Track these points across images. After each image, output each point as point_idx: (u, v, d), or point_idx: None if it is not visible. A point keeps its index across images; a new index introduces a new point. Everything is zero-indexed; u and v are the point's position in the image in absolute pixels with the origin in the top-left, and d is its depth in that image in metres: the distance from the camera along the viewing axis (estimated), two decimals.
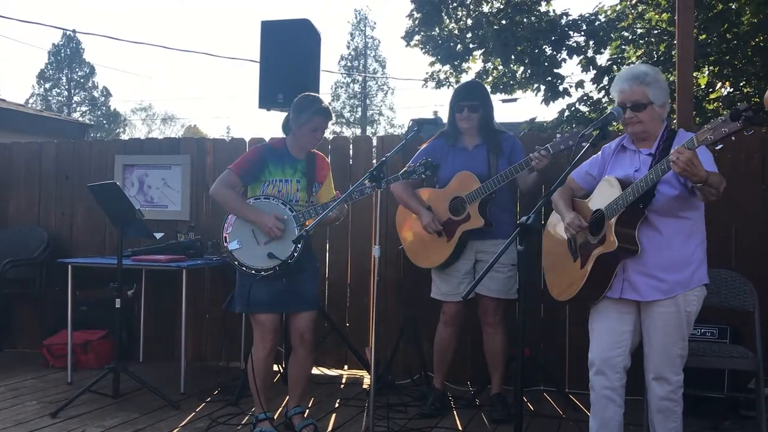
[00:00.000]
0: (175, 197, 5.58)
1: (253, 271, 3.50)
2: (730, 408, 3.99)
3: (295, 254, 3.46)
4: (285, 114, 3.81)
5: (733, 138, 2.46)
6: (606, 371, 2.98)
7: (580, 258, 3.00)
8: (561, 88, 10.51)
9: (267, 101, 4.75)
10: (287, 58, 4.66)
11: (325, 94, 42.16)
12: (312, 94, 3.81)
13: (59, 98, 46.91)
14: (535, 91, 10.81)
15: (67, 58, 46.91)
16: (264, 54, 4.82)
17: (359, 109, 42.44)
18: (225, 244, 3.58)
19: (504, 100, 15.78)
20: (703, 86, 9.57)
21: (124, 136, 44.81)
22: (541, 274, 4.48)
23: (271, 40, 4.79)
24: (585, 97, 10.44)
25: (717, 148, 2.50)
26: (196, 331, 5.36)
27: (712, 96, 9.64)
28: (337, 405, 4.34)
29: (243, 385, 4.23)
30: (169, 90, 70.11)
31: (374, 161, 5.01)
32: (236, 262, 3.55)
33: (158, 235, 4.97)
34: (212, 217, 5.39)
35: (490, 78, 11.38)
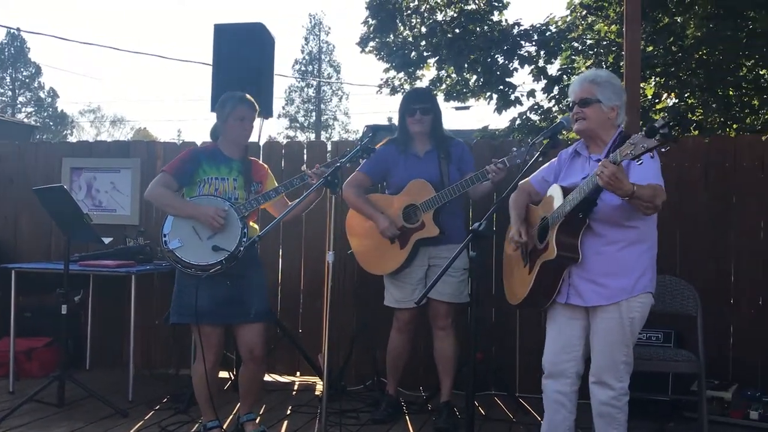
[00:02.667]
0: (125, 201, 5.48)
1: (198, 270, 3.37)
2: (675, 410, 4.10)
3: (243, 242, 3.36)
4: None
5: (651, 155, 2.51)
6: (556, 376, 3.02)
7: (529, 264, 3.05)
8: (513, 96, 10.65)
9: None
10: (240, 61, 4.64)
11: (279, 98, 41.56)
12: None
13: (3, 98, 45.62)
14: (488, 100, 10.95)
15: (11, 57, 45.66)
16: (217, 57, 4.78)
17: (314, 113, 42.31)
18: (165, 246, 3.45)
19: (457, 108, 15.99)
20: (650, 97, 9.83)
21: (72, 139, 43.70)
22: (493, 279, 4.57)
23: (224, 43, 4.75)
24: (536, 106, 10.61)
25: (638, 163, 2.55)
26: (146, 337, 5.27)
27: (659, 106, 9.90)
28: (289, 411, 4.31)
29: (193, 392, 4.16)
30: (119, 92, 68.86)
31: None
32: (180, 264, 3.42)
33: (106, 240, 4.88)
34: (162, 222, 5.29)
35: (444, 85, 11.48)
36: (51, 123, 46.12)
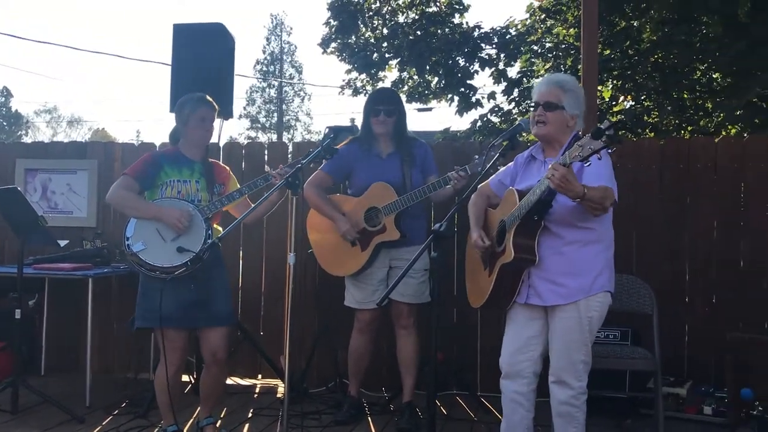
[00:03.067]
0: (81, 203, 5.38)
1: (163, 273, 3.34)
2: (632, 407, 4.17)
3: (208, 241, 3.33)
4: None
5: (599, 157, 2.56)
6: (514, 376, 3.05)
7: (488, 267, 3.08)
8: (474, 99, 10.76)
9: None
10: (200, 61, 4.59)
11: (240, 99, 41.24)
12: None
13: None
14: (449, 102, 11.04)
15: None
16: (176, 57, 4.73)
17: (275, 114, 42.07)
18: (128, 250, 3.40)
19: (419, 109, 16.06)
20: (607, 99, 10.01)
21: (27, 139, 42.68)
22: (454, 280, 4.61)
23: (184, 43, 4.70)
24: (496, 108, 10.72)
25: (586, 165, 2.60)
26: (103, 341, 5.17)
27: (616, 109, 10.08)
28: (250, 414, 4.28)
29: (152, 396, 4.10)
30: (77, 92, 67.55)
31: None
32: (144, 267, 3.38)
33: (62, 243, 4.78)
34: (120, 223, 5.15)
35: (406, 87, 11.54)
36: (5, 123, 45.01)
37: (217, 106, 3.67)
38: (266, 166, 3.68)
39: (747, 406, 3.54)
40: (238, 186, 3.65)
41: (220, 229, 3.67)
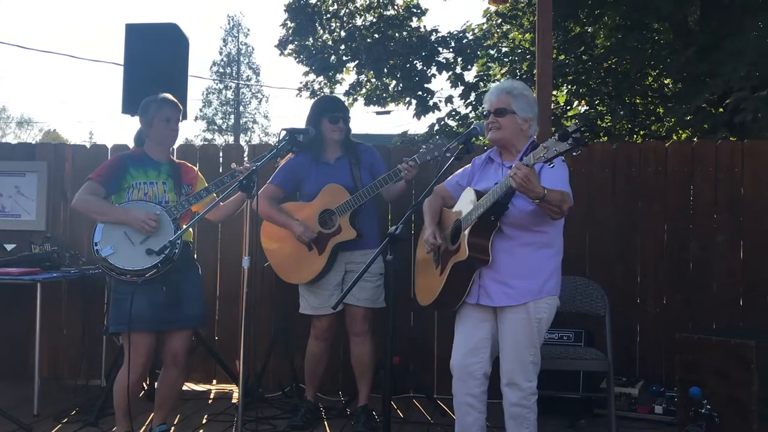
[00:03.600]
0: (30, 206, 5.23)
1: (134, 276, 3.30)
2: (585, 407, 4.23)
3: (178, 243, 3.30)
4: None
5: (563, 158, 2.61)
6: (465, 378, 3.07)
7: (440, 265, 3.10)
8: (431, 102, 10.81)
9: (131, 106, 4.58)
10: (153, 62, 4.52)
11: (195, 100, 40.50)
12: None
13: None
14: (407, 105, 11.07)
15: None
16: (128, 58, 4.65)
17: (232, 116, 41.64)
18: (97, 254, 3.37)
19: (378, 113, 16.02)
20: (561, 104, 10.16)
21: None
22: (411, 283, 4.61)
23: (136, 43, 4.63)
24: (453, 112, 10.79)
25: (550, 166, 2.63)
26: (52, 347, 5.05)
27: (570, 113, 10.25)
28: (204, 420, 4.22)
29: (103, 403, 4.03)
30: (26, 92, 65.83)
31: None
32: (114, 271, 3.34)
33: (9, 247, 4.66)
34: (71, 227, 5.11)
35: (364, 90, 11.54)
36: None
37: (181, 107, 3.67)
38: (233, 164, 3.66)
39: (695, 405, 3.62)
40: (206, 183, 3.65)
41: (190, 230, 3.64)
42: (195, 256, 5.03)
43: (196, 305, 3.52)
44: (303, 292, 4.10)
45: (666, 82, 9.77)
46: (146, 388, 4.46)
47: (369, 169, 4.07)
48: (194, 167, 3.80)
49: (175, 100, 3.62)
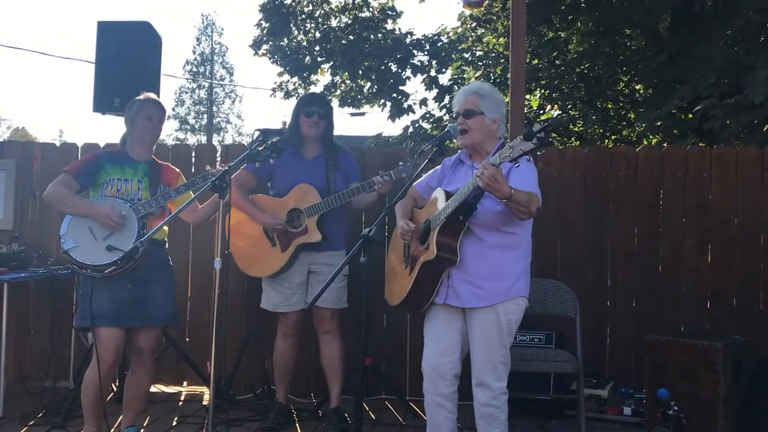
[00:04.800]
0: None
1: (93, 271, 3.29)
2: (556, 408, 4.27)
3: (142, 242, 3.27)
4: (121, 118, 3.70)
5: (529, 158, 2.63)
6: (436, 378, 3.08)
7: (410, 264, 3.11)
8: (406, 104, 10.85)
9: (102, 105, 4.56)
10: (125, 61, 4.49)
11: (168, 99, 40.02)
12: None
13: None
14: (382, 107, 11.09)
15: None
16: (100, 56, 4.61)
17: (205, 116, 41.30)
18: (60, 247, 3.37)
19: (352, 114, 16.01)
20: (534, 108, 10.25)
21: None
22: (384, 284, 4.61)
23: (108, 41, 4.59)
24: (428, 115, 10.84)
25: (515, 166, 2.66)
26: (19, 348, 4.96)
27: (543, 117, 10.33)
28: (174, 423, 4.18)
29: (71, 405, 3.97)
30: None
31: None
32: (75, 265, 3.34)
33: None
34: (39, 226, 5.03)
35: (339, 91, 11.54)
36: None
37: (165, 107, 3.68)
38: (207, 166, 3.65)
39: (663, 406, 3.67)
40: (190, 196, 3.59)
41: (166, 229, 3.62)
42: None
43: (164, 306, 3.50)
44: (265, 288, 4.11)
45: (637, 87, 9.90)
46: (115, 390, 4.41)
47: (345, 173, 4.07)
48: (177, 170, 3.78)
49: (159, 101, 3.65)
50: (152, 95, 3.67)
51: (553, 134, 2.55)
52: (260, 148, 3.35)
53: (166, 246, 3.69)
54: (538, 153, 2.58)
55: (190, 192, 3.59)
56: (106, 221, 3.33)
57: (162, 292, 3.51)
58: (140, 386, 3.56)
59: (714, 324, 4.59)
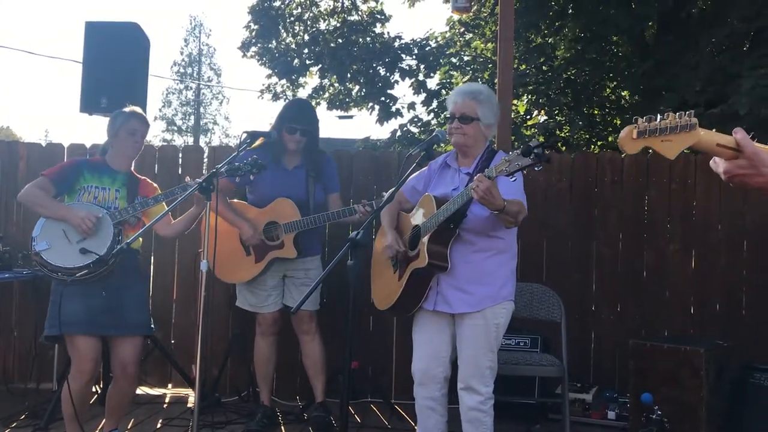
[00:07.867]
0: None
1: (64, 274, 3.23)
2: (541, 412, 4.30)
3: (116, 246, 3.23)
4: (108, 118, 3.66)
5: (524, 171, 2.64)
6: (426, 382, 3.09)
7: (399, 270, 3.11)
8: (394, 108, 10.84)
9: (89, 105, 4.53)
10: (113, 61, 4.48)
11: (155, 100, 39.81)
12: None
13: None
14: (370, 110, 11.09)
15: None
16: (87, 56, 4.59)
17: (192, 117, 41.14)
18: (32, 249, 3.32)
19: (340, 117, 16.03)
20: (522, 113, 10.29)
21: None
22: (371, 288, 4.61)
23: (96, 42, 4.58)
24: (416, 119, 10.84)
25: (512, 180, 2.67)
26: (3, 350, 4.93)
27: (530, 122, 10.38)
28: (159, 425, 4.15)
29: (54, 407, 3.94)
30: None
31: (205, 172, 4.88)
32: (46, 267, 3.28)
33: None
34: (23, 227, 4.98)
35: (327, 94, 11.52)
36: None
37: (149, 122, 3.66)
38: (187, 177, 3.63)
39: (647, 410, 3.70)
40: (165, 208, 3.55)
41: (139, 239, 3.58)
42: (151, 259, 5.01)
43: (139, 313, 3.45)
44: (240, 288, 4.14)
45: (623, 94, 9.97)
46: (98, 392, 4.38)
47: (324, 182, 4.09)
48: (155, 185, 3.74)
49: (144, 115, 3.62)
50: (137, 109, 3.62)
51: (552, 149, 2.59)
52: (243, 163, 3.34)
53: (139, 256, 3.65)
54: (535, 169, 2.59)
55: (164, 204, 3.56)
56: (80, 224, 3.29)
57: (136, 300, 3.46)
58: (123, 395, 3.52)
59: (698, 329, 4.63)
